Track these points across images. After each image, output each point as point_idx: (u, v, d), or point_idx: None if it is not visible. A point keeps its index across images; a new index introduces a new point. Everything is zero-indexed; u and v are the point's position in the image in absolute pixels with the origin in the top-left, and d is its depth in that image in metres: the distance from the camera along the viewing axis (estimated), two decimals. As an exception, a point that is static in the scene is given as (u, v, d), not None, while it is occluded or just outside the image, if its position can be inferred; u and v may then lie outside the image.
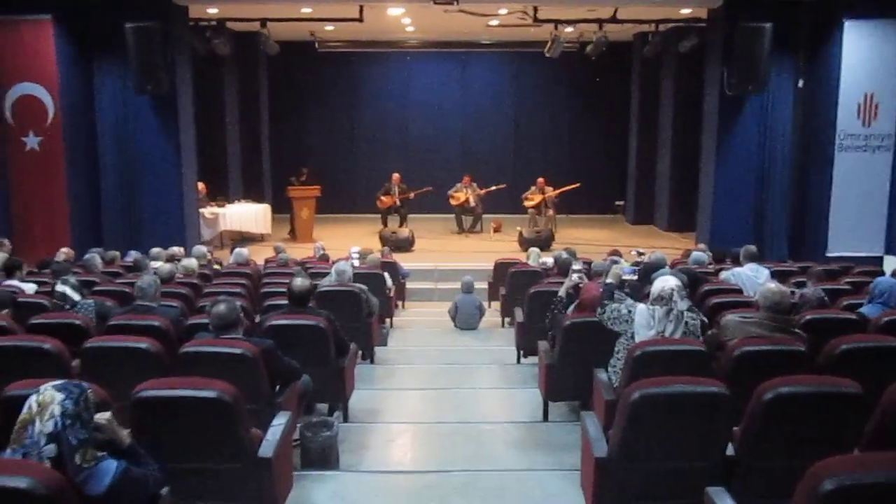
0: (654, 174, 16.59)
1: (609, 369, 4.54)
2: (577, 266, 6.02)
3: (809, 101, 12.24)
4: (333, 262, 8.81)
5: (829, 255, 11.71)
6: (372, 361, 7.27)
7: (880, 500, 2.10)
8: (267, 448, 3.38)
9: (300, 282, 5.21)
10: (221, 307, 4.12)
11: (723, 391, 3.03)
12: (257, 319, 5.69)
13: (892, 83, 11.50)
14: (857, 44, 11.52)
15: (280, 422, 3.65)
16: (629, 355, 4.05)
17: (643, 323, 4.35)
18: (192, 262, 8.15)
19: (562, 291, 5.86)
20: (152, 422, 3.10)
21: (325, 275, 7.84)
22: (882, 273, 9.19)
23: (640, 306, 4.43)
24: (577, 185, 14.91)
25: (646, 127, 16.68)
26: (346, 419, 5.34)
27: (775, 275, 7.81)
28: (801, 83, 12.24)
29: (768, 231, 12.42)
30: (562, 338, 5.19)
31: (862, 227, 11.89)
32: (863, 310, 5.60)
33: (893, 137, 11.63)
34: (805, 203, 12.45)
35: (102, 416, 2.48)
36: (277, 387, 4.36)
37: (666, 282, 4.38)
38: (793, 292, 5.44)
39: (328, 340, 5.00)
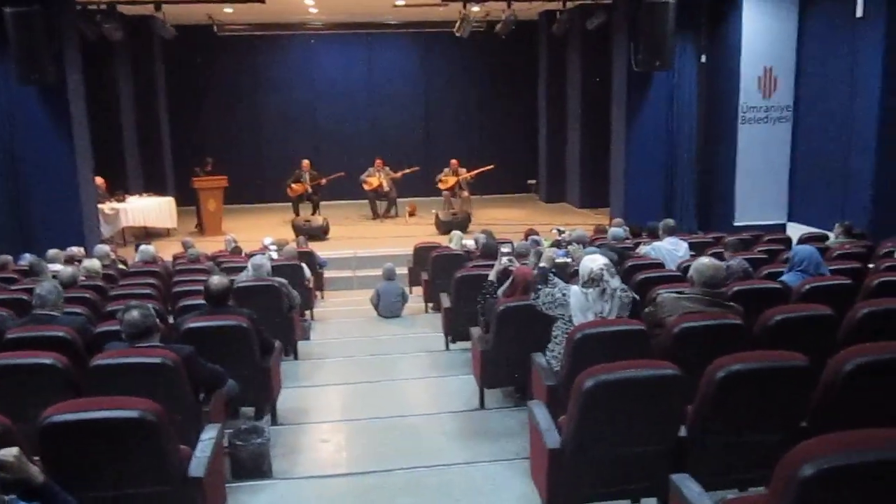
0: (565, 152, 16.73)
1: (547, 353, 4.44)
2: (506, 249, 5.91)
3: (712, 75, 12.57)
4: (248, 256, 8.45)
5: (736, 224, 12.10)
6: (296, 357, 6.99)
7: (863, 482, 2.02)
8: (197, 466, 3.10)
9: (217, 280, 4.88)
10: (134, 313, 3.76)
11: (676, 373, 2.96)
12: (172, 322, 5.33)
13: (790, 56, 11.92)
14: (755, 18, 11.88)
15: (209, 436, 3.35)
16: (569, 339, 3.96)
17: (579, 306, 4.27)
18: (94, 263, 7.59)
19: (492, 275, 5.74)
20: (65, 450, 2.77)
21: (239, 269, 7.47)
22: (788, 241, 9.55)
23: (574, 289, 4.34)
24: (491, 166, 14.86)
25: (555, 105, 16.77)
26: (274, 422, 5.07)
27: (691, 247, 7.95)
28: (703, 58, 12.54)
29: (678, 204, 12.72)
30: (495, 323, 5.06)
31: (766, 196, 12.34)
32: (784, 278, 5.71)
33: (792, 109, 12.06)
34: (712, 175, 12.81)
35: (8, 453, 2.16)
36: (202, 395, 4.06)
37: (594, 262, 4.31)
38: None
39: (252, 340, 4.71)
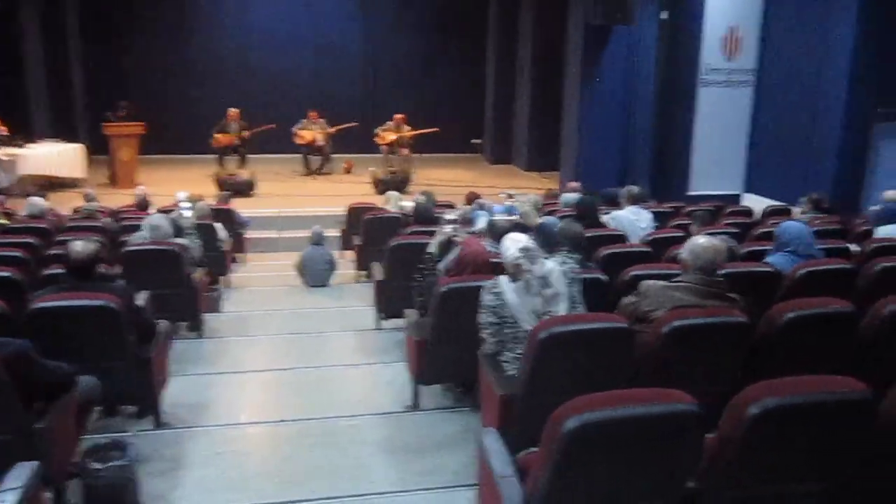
0: (513, 111, 15.87)
1: (503, 353, 3.53)
2: (450, 215, 4.99)
3: (674, 33, 11.75)
4: (162, 212, 7.32)
5: (690, 193, 11.44)
6: (201, 335, 5.95)
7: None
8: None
9: (81, 245, 3.78)
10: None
11: (694, 409, 2.08)
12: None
13: (756, 16, 11.19)
14: (721, -26, 11.09)
15: (13, 484, 2.27)
16: (532, 337, 3.06)
17: (519, 303, 3.39)
18: (-40, 217, 6.36)
19: (432, 247, 4.80)
20: None
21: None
22: (750, 212, 8.89)
23: (503, 281, 3.46)
24: (436, 130, 13.81)
25: (504, 61, 15.87)
26: (157, 425, 4.07)
27: (654, 217, 7.18)
28: (664, 15, 11.69)
29: (632, 169, 11.98)
30: (436, 307, 4.12)
31: (723, 165, 11.70)
32: (771, 260, 4.93)
33: (755, 73, 11.36)
34: (668, 141, 12.08)
35: None
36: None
37: (508, 250, 3.44)
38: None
39: (123, 324, 3.66)
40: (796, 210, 8.32)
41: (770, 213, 8.55)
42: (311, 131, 13.61)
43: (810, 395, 2.18)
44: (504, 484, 2.28)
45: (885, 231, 6.13)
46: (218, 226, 7.81)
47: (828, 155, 9.84)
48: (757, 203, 9.90)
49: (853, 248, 5.78)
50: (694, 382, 2.36)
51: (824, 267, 4.50)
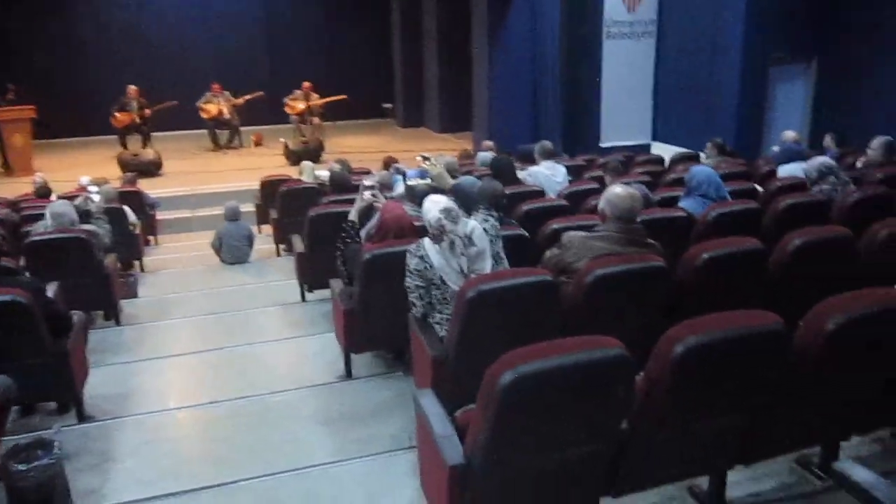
0: (422, 74, 15.72)
1: (433, 315, 3.54)
2: (368, 182, 4.92)
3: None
4: (68, 199, 6.97)
5: (602, 146, 11.64)
6: (118, 323, 5.75)
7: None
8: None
9: (-20, 240, 3.59)
10: None
11: (623, 353, 2.14)
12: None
13: (654, -34, 11.35)
14: (618, -74, 11.18)
15: None
16: (460, 297, 3.08)
17: (444, 264, 3.41)
18: None
19: (352, 214, 4.74)
20: None
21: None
22: (661, 160, 9.14)
23: (426, 243, 3.46)
24: (344, 97, 13.57)
25: (410, 23, 15.65)
26: (81, 419, 3.93)
27: (568, 171, 7.29)
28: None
29: (544, 126, 12.09)
30: (361, 275, 4.09)
31: (631, 116, 11.92)
32: (683, 204, 5.09)
33: (656, 23, 11.58)
34: (577, 95, 12.19)
35: None
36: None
37: (429, 212, 3.45)
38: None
39: (33, 319, 3.50)
40: (702, 156, 8.59)
41: (678, 160, 8.80)
42: (216, 104, 13.20)
43: (730, 330, 2.27)
44: (444, 443, 2.30)
45: (787, 170, 6.40)
46: (127, 209, 7.51)
47: (728, 100, 10.15)
48: (665, 151, 10.16)
49: (758, 188, 6.03)
50: (620, 328, 2.41)
51: (733, 208, 4.68)
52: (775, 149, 8.19)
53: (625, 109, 11.88)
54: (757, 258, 3.56)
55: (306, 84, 13.23)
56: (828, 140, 8.04)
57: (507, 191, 5.14)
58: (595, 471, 2.42)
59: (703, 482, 2.91)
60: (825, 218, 4.73)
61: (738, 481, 2.95)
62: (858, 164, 6.85)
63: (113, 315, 5.78)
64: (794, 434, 2.77)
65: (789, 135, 8.07)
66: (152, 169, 11.77)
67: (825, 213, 4.82)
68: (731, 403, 2.44)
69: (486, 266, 3.51)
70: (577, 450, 2.31)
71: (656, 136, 12.01)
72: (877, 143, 6.81)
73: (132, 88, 12.78)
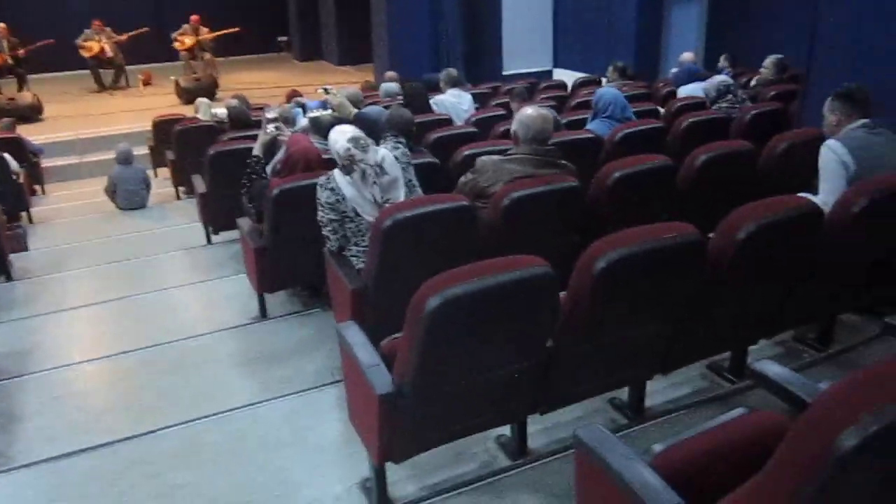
0: (317, 4, 15.14)
1: (349, 248, 3.46)
2: (270, 114, 4.73)
3: None
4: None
5: (505, 74, 11.60)
6: (9, 278, 5.40)
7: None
8: None
9: None
10: None
11: (548, 271, 2.14)
12: None
13: None
14: None
15: None
16: (376, 227, 3.01)
17: (357, 195, 3.32)
18: None
19: (257, 149, 4.55)
20: None
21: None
22: (564, 86, 9.19)
23: (337, 175, 3.36)
24: (236, 29, 12.93)
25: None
26: (-24, 382, 3.69)
27: (474, 98, 7.24)
28: None
29: (446, 55, 11.90)
30: (271, 211, 3.94)
31: (532, 43, 11.90)
32: (590, 126, 5.14)
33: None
34: (478, 23, 12.06)
35: None
36: None
37: (337, 142, 3.34)
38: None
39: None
40: (604, 80, 8.67)
41: (581, 85, 8.88)
42: (98, 42, 12.35)
43: (648, 242, 2.30)
44: (372, 373, 2.26)
45: (686, 90, 6.55)
46: (7, 157, 7.00)
47: (626, 25, 10.25)
48: (568, 77, 10.23)
49: (660, 109, 6.15)
50: (537, 249, 2.40)
51: (639, 128, 4.75)
52: (674, 70, 8.35)
53: (526, 37, 11.84)
54: (666, 174, 3.63)
55: (194, 17, 12.53)
56: (722, 61, 8.24)
57: (417, 119, 5.08)
58: (523, 389, 2.44)
59: (622, 394, 3.00)
60: (725, 134, 4.90)
61: (656, 390, 3.07)
62: (752, 83, 7.06)
63: (3, 270, 5.42)
64: (709, 341, 2.89)
65: (687, 56, 8.23)
66: (31, 114, 10.99)
67: (725, 129, 4.98)
68: (651, 315, 2.51)
69: (400, 195, 3.44)
70: (505, 370, 2.32)
71: (557, 63, 12.05)
72: (768, 61, 7.07)
73: (1, 27, 11.79)
